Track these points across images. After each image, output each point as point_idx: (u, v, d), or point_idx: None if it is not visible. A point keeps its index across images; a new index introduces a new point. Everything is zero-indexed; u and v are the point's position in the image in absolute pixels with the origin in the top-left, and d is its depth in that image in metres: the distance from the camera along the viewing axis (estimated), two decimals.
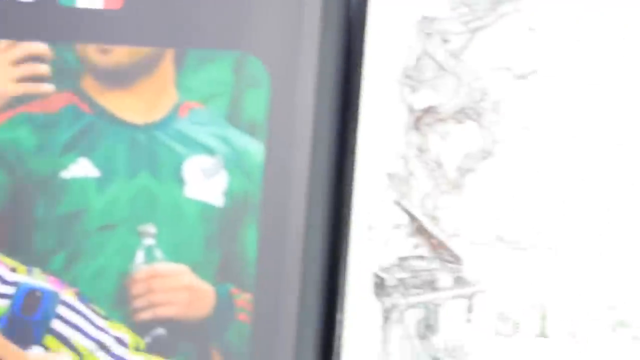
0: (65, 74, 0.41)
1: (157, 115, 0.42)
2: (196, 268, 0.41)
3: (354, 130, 0.44)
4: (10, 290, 0.40)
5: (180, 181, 0.41)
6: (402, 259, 0.44)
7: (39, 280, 0.40)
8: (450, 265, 0.44)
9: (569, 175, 0.44)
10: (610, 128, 0.44)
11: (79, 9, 0.41)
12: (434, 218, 0.44)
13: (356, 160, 0.43)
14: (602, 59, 0.44)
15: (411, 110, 0.44)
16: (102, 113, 0.41)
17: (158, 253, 0.41)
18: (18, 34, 0.41)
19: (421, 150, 0.45)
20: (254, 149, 0.42)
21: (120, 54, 0.42)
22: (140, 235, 0.40)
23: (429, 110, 0.45)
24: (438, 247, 0.44)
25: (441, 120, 0.45)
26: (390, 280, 0.44)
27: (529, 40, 0.44)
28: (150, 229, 0.40)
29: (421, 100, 0.45)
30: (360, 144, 0.44)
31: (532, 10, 0.44)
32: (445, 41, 0.45)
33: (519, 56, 0.44)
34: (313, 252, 0.42)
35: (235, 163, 0.41)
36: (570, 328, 0.43)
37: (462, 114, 0.45)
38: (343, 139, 0.44)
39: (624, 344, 0.42)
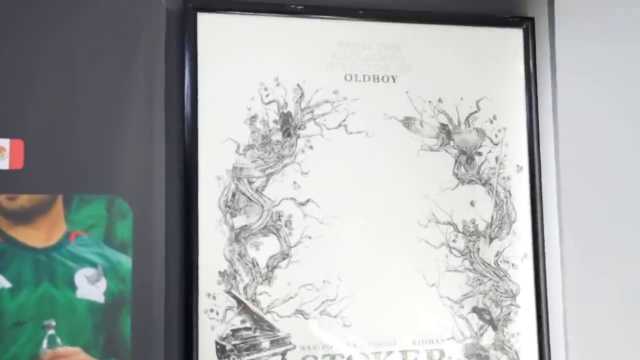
0: None
1: (52, 241, 0.68)
2: (87, 348, 0.66)
3: (196, 244, 0.73)
4: None
5: (73, 286, 0.67)
6: (235, 330, 0.73)
7: None
8: (267, 332, 0.74)
9: (341, 264, 0.78)
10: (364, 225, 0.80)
11: None
12: (254, 301, 0.74)
13: (198, 263, 0.73)
14: (349, 191, 0.80)
15: (232, 228, 0.76)
16: (12, 242, 0.66)
17: (58, 340, 0.65)
18: None
19: (241, 255, 0.76)
20: (125, 261, 0.69)
21: (23, 200, 0.68)
22: (45, 327, 0.65)
23: (244, 228, 0.77)
24: (258, 321, 0.74)
25: (253, 234, 0.77)
26: (228, 346, 0.72)
27: (303, 180, 0.79)
28: (52, 322, 0.65)
29: (238, 221, 0.76)
30: (200, 252, 0.73)
31: (303, 160, 0.79)
32: (251, 182, 0.78)
33: (298, 190, 0.79)
34: (171, 329, 0.69)
35: (111, 271, 0.68)
36: None
37: (266, 229, 0.77)
38: (188, 250, 0.73)
39: None
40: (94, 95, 0.72)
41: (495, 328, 0.82)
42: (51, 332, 0.65)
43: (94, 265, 0.68)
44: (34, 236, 0.68)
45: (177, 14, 0.79)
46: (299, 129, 0.80)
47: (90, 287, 0.68)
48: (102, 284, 0.68)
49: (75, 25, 0.72)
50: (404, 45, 0.85)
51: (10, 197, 0.68)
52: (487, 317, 0.82)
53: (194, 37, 0.78)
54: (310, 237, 0.78)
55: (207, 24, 0.79)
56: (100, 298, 0.68)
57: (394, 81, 0.84)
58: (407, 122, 0.84)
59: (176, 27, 0.78)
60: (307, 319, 0.76)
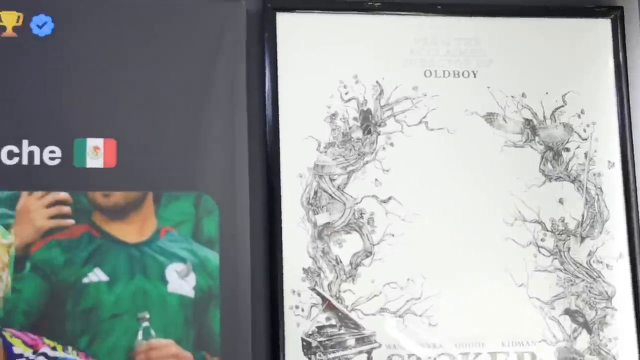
0: (81, 212, 0.73)
1: (144, 237, 0.74)
2: (179, 341, 0.72)
3: (279, 241, 0.79)
4: None
5: (164, 281, 0.73)
6: (320, 327, 0.78)
7: (72, 355, 0.69)
8: (353, 330, 0.78)
9: (425, 263, 0.82)
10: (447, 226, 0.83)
11: (88, 168, 0.75)
12: (338, 298, 0.79)
13: (283, 260, 0.78)
14: (431, 188, 0.84)
15: (315, 225, 0.81)
16: (108, 237, 0.73)
17: (152, 332, 0.71)
18: (48, 187, 0.73)
19: (324, 252, 0.80)
20: (212, 256, 0.75)
21: (117, 197, 0.75)
22: (139, 320, 0.71)
23: (326, 225, 0.81)
24: (343, 319, 0.78)
25: (336, 231, 0.81)
26: (313, 343, 0.76)
27: (384, 177, 0.83)
28: (146, 315, 0.71)
29: (321, 219, 0.81)
30: (284, 250, 0.78)
31: (384, 158, 0.84)
32: (332, 180, 0.83)
33: (379, 187, 0.83)
34: (258, 324, 0.74)
35: (200, 267, 0.74)
36: None
37: (349, 227, 0.82)
38: (272, 247, 0.78)
39: None
40: (180, 96, 0.79)
41: (590, 331, 0.84)
42: (145, 324, 0.72)
43: (183, 260, 0.74)
44: (128, 232, 0.74)
45: (257, 15, 0.85)
46: (379, 126, 0.84)
47: (181, 281, 0.74)
48: (192, 279, 0.74)
49: (161, 29, 0.80)
50: (483, 40, 0.88)
51: (105, 194, 0.75)
52: (580, 319, 0.84)
53: (273, 37, 0.84)
54: (393, 235, 0.82)
55: (286, 23, 0.85)
56: (190, 293, 0.74)
57: (474, 76, 0.87)
58: (490, 117, 0.87)
59: (256, 28, 0.85)
60: (391, 317, 0.80)
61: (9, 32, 0.77)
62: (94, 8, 0.78)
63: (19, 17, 0.77)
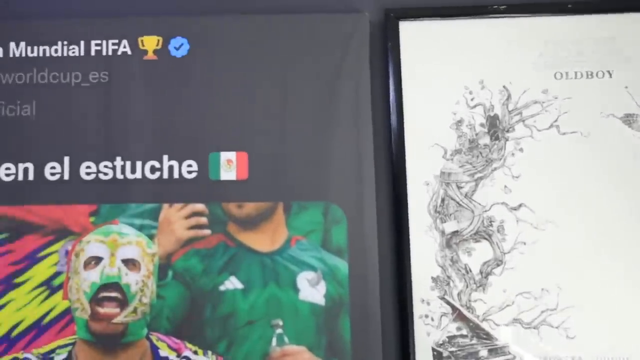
0: (216, 223, 0.78)
1: (276, 246, 0.78)
2: (311, 348, 0.74)
3: (407, 249, 0.79)
4: None
5: (295, 289, 0.76)
6: (451, 337, 0.77)
7: (211, 359, 0.72)
8: (485, 341, 0.77)
9: (560, 272, 0.79)
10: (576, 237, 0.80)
11: (222, 180, 0.79)
12: (469, 308, 0.78)
13: (411, 269, 0.78)
14: (565, 194, 0.81)
15: (443, 233, 0.80)
16: (241, 246, 0.77)
17: (285, 338, 0.73)
18: (186, 199, 0.78)
19: (453, 260, 0.79)
20: (342, 265, 0.77)
21: (249, 208, 0.79)
22: (273, 326, 0.74)
23: (455, 233, 0.80)
24: (474, 329, 0.77)
25: (464, 240, 0.80)
26: (445, 353, 0.76)
27: (514, 184, 0.81)
28: (279, 322, 0.74)
29: (449, 227, 0.80)
30: (412, 258, 0.78)
31: (513, 164, 0.82)
32: (460, 187, 0.82)
33: (509, 195, 0.81)
34: (388, 333, 0.75)
35: (330, 275, 0.76)
36: None
37: (477, 235, 0.81)
38: (400, 255, 0.78)
39: None
40: (306, 109, 0.81)
41: None
42: (279, 331, 0.74)
43: (314, 269, 0.77)
44: (260, 241, 0.78)
45: (379, 25, 0.86)
46: (507, 131, 0.83)
47: (312, 289, 0.76)
48: (322, 287, 0.76)
49: (287, 45, 0.83)
50: (619, 37, 0.84)
51: (239, 205, 0.79)
52: None
53: (397, 46, 0.85)
54: (524, 243, 0.80)
55: (409, 32, 0.85)
56: (321, 301, 0.76)
57: (610, 76, 0.84)
58: (628, 119, 0.83)
59: (378, 38, 0.86)
60: (525, 328, 0.78)
61: (150, 56, 0.83)
62: (226, 29, 0.83)
63: (158, 41, 0.83)
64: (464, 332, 0.78)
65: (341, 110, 0.81)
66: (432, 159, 0.83)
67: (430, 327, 0.78)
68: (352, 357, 0.74)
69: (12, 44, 0.83)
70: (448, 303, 0.79)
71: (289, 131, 0.81)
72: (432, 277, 0.79)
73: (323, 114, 0.81)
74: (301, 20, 0.83)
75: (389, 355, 0.77)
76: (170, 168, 0.80)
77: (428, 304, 0.79)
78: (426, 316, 0.78)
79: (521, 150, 0.82)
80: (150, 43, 0.83)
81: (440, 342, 0.78)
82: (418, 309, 0.78)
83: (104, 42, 0.83)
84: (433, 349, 0.77)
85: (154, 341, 0.75)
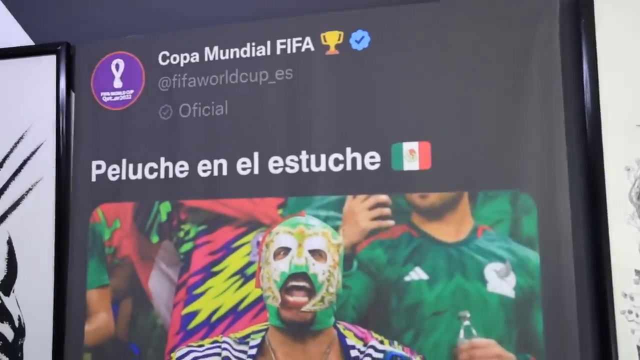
0: (400, 213, 0.78)
1: (461, 236, 0.76)
2: (501, 341, 0.72)
3: (606, 240, 0.74)
4: (380, 355, 0.74)
5: (483, 280, 0.74)
6: None
7: (398, 349, 0.74)
8: None
9: None
10: None
11: (405, 171, 0.79)
12: None
13: (611, 261, 0.73)
14: None
15: None
16: (426, 237, 0.77)
17: (473, 331, 0.72)
18: (369, 190, 0.80)
19: None
20: (532, 256, 0.74)
21: (433, 198, 0.78)
22: (460, 318, 0.73)
23: None
24: None
25: None
26: None
27: None
28: (467, 314, 0.73)
29: None
30: (612, 249, 0.73)
31: None
32: None
33: None
34: (585, 329, 0.71)
35: (520, 267, 0.74)
36: None
37: None
38: (597, 247, 0.74)
39: None
40: (492, 94, 0.79)
41: None
42: (467, 323, 0.73)
43: (502, 259, 0.74)
44: (445, 231, 0.77)
45: (570, 2, 0.81)
46: None
47: (500, 281, 0.73)
48: (512, 279, 0.73)
49: (471, 30, 0.81)
50: None
51: (422, 196, 0.79)
52: None
53: (591, 24, 0.79)
54: None
55: (604, 7, 0.79)
56: (510, 293, 0.73)
57: None
58: None
59: (569, 16, 0.81)
60: None
61: (332, 51, 0.85)
62: (406, 19, 0.83)
63: (339, 35, 0.85)
64: None
65: (529, 94, 0.77)
66: (634, 141, 0.76)
67: (634, 324, 0.72)
68: (546, 353, 0.71)
69: (207, 49, 0.90)
70: None
71: (473, 118, 0.79)
72: (635, 270, 0.73)
73: (510, 98, 0.78)
74: (484, 3, 0.81)
75: (587, 352, 0.72)
76: (354, 160, 0.82)
77: (632, 298, 0.73)
78: (629, 312, 0.73)
79: None
80: (332, 38, 0.85)
81: None
82: (620, 304, 0.73)
83: (289, 40, 0.87)
84: (638, 347, 0.72)
85: (341, 330, 0.78)
